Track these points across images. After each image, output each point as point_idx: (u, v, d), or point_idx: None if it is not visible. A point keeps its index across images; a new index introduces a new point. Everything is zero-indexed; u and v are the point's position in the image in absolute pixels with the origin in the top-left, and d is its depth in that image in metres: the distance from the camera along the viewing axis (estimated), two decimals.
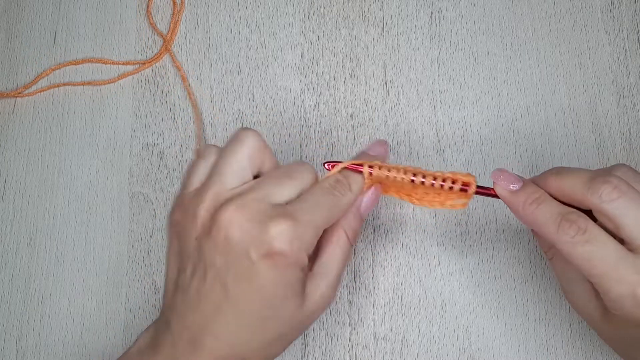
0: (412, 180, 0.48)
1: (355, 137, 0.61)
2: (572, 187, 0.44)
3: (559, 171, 0.46)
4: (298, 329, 0.47)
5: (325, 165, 0.48)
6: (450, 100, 0.62)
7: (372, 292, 0.57)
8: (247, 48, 0.64)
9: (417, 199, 0.50)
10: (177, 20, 0.64)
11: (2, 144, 0.62)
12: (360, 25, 0.65)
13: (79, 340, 0.56)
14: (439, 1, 0.65)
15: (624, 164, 0.46)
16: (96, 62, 0.64)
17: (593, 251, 0.42)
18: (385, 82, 0.63)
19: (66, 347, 0.56)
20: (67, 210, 0.60)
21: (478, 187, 0.47)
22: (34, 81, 0.63)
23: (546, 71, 0.63)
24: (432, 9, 0.65)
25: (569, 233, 0.43)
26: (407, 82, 0.63)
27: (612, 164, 0.46)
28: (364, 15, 0.65)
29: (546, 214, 0.44)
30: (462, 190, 0.47)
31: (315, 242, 0.45)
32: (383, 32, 0.64)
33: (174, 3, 0.65)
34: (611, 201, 0.42)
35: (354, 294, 0.57)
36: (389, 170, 0.48)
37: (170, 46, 0.64)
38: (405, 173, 0.48)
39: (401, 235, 0.58)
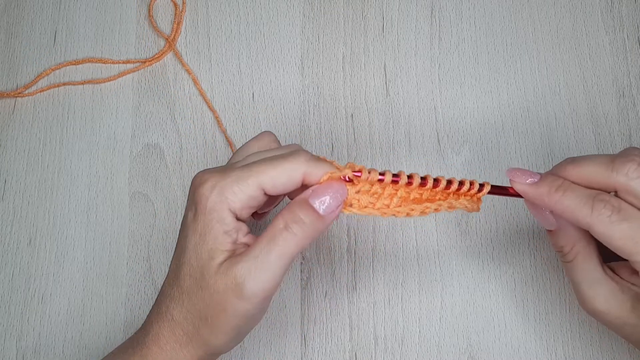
0: (422, 181, 0.45)
1: (355, 137, 0.61)
2: (594, 172, 0.44)
3: (574, 159, 0.45)
4: (227, 303, 0.43)
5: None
6: (450, 100, 0.62)
7: (372, 292, 0.57)
8: (247, 48, 0.64)
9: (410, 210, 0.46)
10: (180, 22, 0.64)
11: (2, 144, 0.62)
12: (360, 25, 0.65)
13: (79, 340, 0.56)
14: (439, 1, 0.65)
15: (635, 147, 0.45)
16: (96, 62, 0.64)
17: (632, 228, 0.42)
18: (385, 82, 0.63)
19: (66, 347, 0.56)
20: (67, 210, 0.60)
21: (493, 186, 0.46)
22: (34, 81, 0.63)
23: (546, 71, 0.63)
24: (432, 9, 0.65)
25: (604, 213, 0.42)
26: (407, 82, 0.63)
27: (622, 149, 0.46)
28: (364, 15, 0.65)
29: (575, 199, 0.43)
30: (479, 191, 0.46)
31: (246, 195, 0.42)
32: (383, 32, 0.64)
33: (175, 5, 0.65)
34: (638, 177, 0.42)
35: (354, 294, 0.57)
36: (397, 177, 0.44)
37: (174, 45, 0.64)
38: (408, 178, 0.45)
39: (401, 235, 0.58)
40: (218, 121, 0.62)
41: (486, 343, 0.56)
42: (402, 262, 0.58)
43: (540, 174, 0.46)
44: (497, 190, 0.47)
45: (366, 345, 0.56)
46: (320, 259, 0.58)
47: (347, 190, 0.44)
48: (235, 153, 0.48)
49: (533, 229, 0.58)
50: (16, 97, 0.63)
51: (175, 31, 0.64)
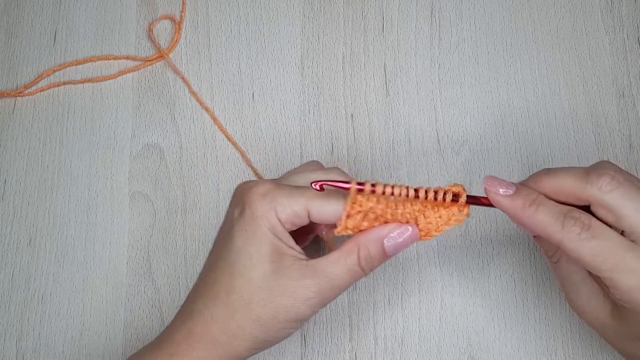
0: (414, 193, 0.44)
1: (355, 137, 0.61)
2: (569, 184, 0.44)
3: (549, 171, 0.45)
4: (265, 306, 0.45)
5: (313, 184, 0.45)
6: (450, 100, 0.62)
7: (372, 292, 0.57)
8: (247, 48, 0.64)
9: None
10: (177, 38, 0.64)
11: (2, 144, 0.62)
12: (360, 25, 0.65)
13: (79, 340, 0.56)
14: (439, 1, 0.65)
15: (609, 161, 0.45)
16: (97, 60, 0.64)
17: (600, 246, 0.42)
18: (385, 82, 0.63)
19: (66, 347, 0.56)
20: (67, 210, 0.60)
21: (469, 197, 0.46)
22: (35, 81, 0.63)
23: (546, 71, 0.63)
24: (432, 9, 0.65)
25: (574, 230, 0.42)
26: (407, 82, 0.63)
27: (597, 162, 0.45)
28: (364, 15, 0.65)
29: (547, 215, 0.44)
30: (453, 200, 0.45)
31: (293, 210, 0.44)
32: (383, 32, 0.64)
33: (175, 24, 0.65)
34: (611, 191, 0.42)
35: (354, 294, 0.57)
36: (382, 188, 0.44)
37: (167, 56, 0.64)
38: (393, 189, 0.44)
39: None
40: (232, 141, 0.62)
41: (486, 343, 0.56)
42: (402, 262, 0.58)
43: (515, 185, 0.45)
44: (473, 200, 0.46)
45: (366, 345, 0.56)
46: None
47: (419, 233, 0.46)
48: (289, 174, 0.49)
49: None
50: (16, 97, 0.63)
51: (173, 45, 0.64)
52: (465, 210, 0.46)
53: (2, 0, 0.66)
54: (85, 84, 0.63)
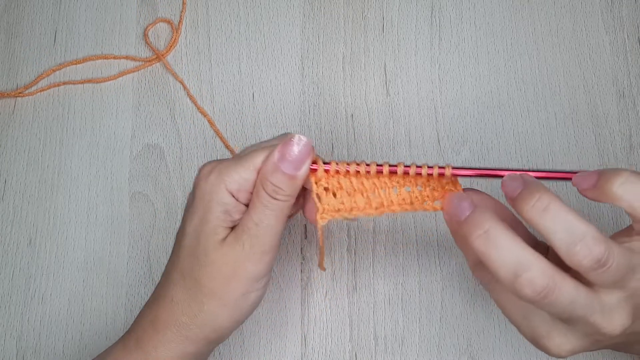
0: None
1: (355, 137, 0.61)
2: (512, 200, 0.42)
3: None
4: (223, 275, 0.45)
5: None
6: (450, 100, 0.62)
7: (372, 292, 0.57)
8: (247, 48, 0.64)
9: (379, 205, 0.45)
10: (175, 40, 0.64)
11: (2, 144, 0.62)
12: (360, 25, 0.65)
13: (79, 340, 0.56)
14: (439, 1, 0.65)
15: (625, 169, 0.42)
16: (96, 59, 0.64)
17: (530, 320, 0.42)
18: (385, 82, 0.63)
19: (66, 347, 0.56)
20: (67, 210, 0.60)
21: (455, 168, 0.45)
22: (35, 81, 0.63)
23: (546, 71, 0.63)
24: (432, 9, 0.65)
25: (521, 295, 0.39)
26: (407, 82, 0.63)
27: (612, 165, 0.44)
28: (364, 15, 0.65)
29: (498, 261, 0.39)
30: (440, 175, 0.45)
31: (242, 177, 0.44)
32: (383, 32, 0.64)
33: (172, 27, 0.65)
34: (538, 217, 0.39)
35: (354, 294, 0.57)
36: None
37: (164, 58, 0.64)
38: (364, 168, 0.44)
39: (401, 235, 0.58)
40: (212, 125, 0.62)
41: (486, 343, 0.56)
42: (402, 262, 0.58)
43: (472, 206, 0.42)
44: (466, 173, 0.45)
45: (366, 345, 0.56)
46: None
47: (309, 140, 0.44)
48: (247, 147, 0.48)
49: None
50: (16, 97, 0.63)
51: (170, 47, 0.64)
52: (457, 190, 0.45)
53: (2, 0, 0.66)
54: (85, 84, 0.63)
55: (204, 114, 0.62)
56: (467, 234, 0.39)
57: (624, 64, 0.62)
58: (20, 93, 0.63)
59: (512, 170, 0.44)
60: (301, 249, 0.58)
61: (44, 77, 0.63)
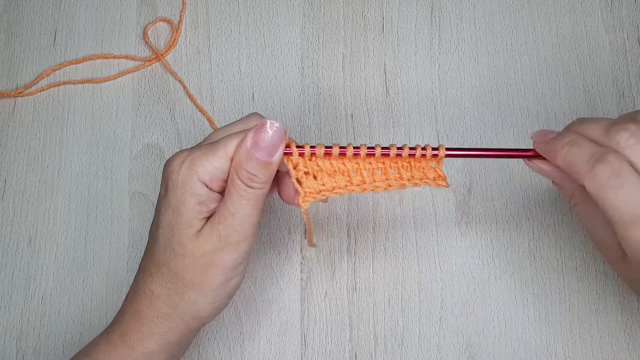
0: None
1: (355, 137, 0.61)
2: (592, 134, 0.44)
3: (582, 120, 0.46)
4: (200, 267, 0.45)
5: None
6: (450, 100, 0.62)
7: (372, 292, 0.57)
8: (247, 48, 0.64)
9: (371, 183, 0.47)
10: (175, 40, 0.64)
11: (2, 144, 0.62)
12: (360, 25, 0.65)
13: (79, 340, 0.56)
14: (439, 1, 0.65)
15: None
16: (96, 58, 0.64)
17: (619, 196, 0.41)
18: (385, 82, 0.63)
19: (66, 347, 0.56)
20: (67, 210, 0.60)
21: (449, 149, 0.47)
22: (35, 81, 0.63)
23: (546, 71, 0.63)
24: (432, 9, 0.65)
25: (601, 176, 0.42)
26: (407, 82, 0.63)
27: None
28: (364, 15, 0.65)
29: (578, 156, 0.43)
30: (433, 156, 0.46)
31: (214, 167, 0.44)
32: (383, 32, 0.64)
33: (172, 26, 0.65)
34: (629, 147, 0.42)
35: (354, 294, 0.57)
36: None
37: (164, 58, 0.64)
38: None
39: (401, 235, 0.58)
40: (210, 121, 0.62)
41: (486, 343, 0.56)
42: (402, 262, 0.58)
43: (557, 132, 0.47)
44: (455, 152, 0.47)
45: (366, 345, 0.56)
46: (320, 259, 0.58)
47: (282, 125, 0.45)
48: (215, 131, 0.48)
49: (533, 229, 0.58)
50: (16, 97, 0.63)
51: (169, 47, 0.64)
52: (442, 181, 0.47)
53: (2, 0, 0.66)
54: (85, 84, 0.63)
55: (203, 112, 0.62)
56: (555, 146, 0.45)
57: (624, 64, 0.62)
58: (20, 93, 0.63)
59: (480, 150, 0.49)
60: (301, 249, 0.58)
61: (44, 77, 0.63)
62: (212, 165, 0.44)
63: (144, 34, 0.64)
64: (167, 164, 0.45)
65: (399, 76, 0.63)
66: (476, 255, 0.58)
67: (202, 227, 0.44)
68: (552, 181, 0.49)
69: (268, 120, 0.44)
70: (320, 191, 0.45)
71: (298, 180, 0.45)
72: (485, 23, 0.64)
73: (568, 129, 0.46)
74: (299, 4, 0.65)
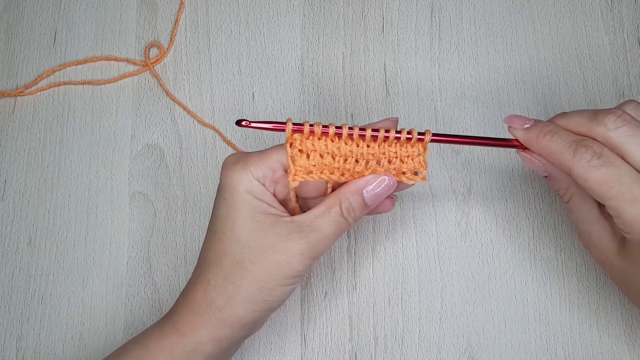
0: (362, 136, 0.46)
1: None
2: (578, 123, 0.46)
3: (565, 113, 0.48)
4: (257, 259, 0.46)
5: (244, 122, 0.46)
6: (450, 100, 0.62)
7: (372, 292, 0.57)
8: (247, 48, 0.64)
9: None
10: (164, 54, 0.64)
11: (2, 144, 0.62)
12: (360, 25, 0.65)
13: (79, 340, 0.56)
14: (439, 1, 0.65)
15: (633, 100, 0.48)
16: (97, 60, 0.64)
17: (608, 173, 0.44)
18: (385, 82, 0.63)
19: (66, 347, 0.56)
20: (67, 210, 0.60)
21: (435, 134, 0.47)
22: (35, 81, 0.63)
23: (546, 71, 0.63)
24: (432, 9, 0.65)
25: (584, 157, 0.44)
26: (407, 82, 0.63)
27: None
28: (364, 15, 0.65)
29: (560, 143, 0.46)
30: (419, 140, 0.47)
31: (267, 166, 0.46)
32: (383, 32, 0.64)
33: (161, 48, 0.65)
34: (616, 129, 0.44)
35: (354, 294, 0.57)
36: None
37: (152, 68, 0.64)
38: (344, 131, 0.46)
39: (401, 235, 0.58)
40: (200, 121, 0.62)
41: (486, 343, 0.56)
42: (402, 262, 0.58)
43: (535, 120, 0.48)
44: (443, 138, 0.48)
45: (366, 345, 0.56)
46: (320, 259, 0.58)
47: (396, 182, 0.48)
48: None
49: (533, 228, 0.58)
50: (16, 97, 0.63)
51: (158, 58, 0.64)
52: (420, 175, 0.48)
53: (2, 0, 0.66)
54: (85, 85, 0.63)
55: (206, 124, 0.62)
56: (536, 135, 0.47)
57: (623, 64, 0.63)
58: (20, 93, 0.63)
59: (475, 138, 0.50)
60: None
61: (44, 77, 0.63)
62: (265, 165, 0.46)
63: (146, 52, 0.64)
64: (224, 164, 0.47)
65: (399, 76, 0.63)
66: (476, 255, 0.58)
67: (275, 226, 0.46)
68: (545, 177, 0.50)
69: (389, 176, 0.48)
70: (310, 172, 0.46)
71: (292, 159, 0.46)
72: (485, 23, 0.64)
73: (550, 121, 0.48)
74: (299, 4, 0.65)
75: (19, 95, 0.63)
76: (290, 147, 0.46)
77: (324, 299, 0.57)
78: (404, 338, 0.56)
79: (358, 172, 0.47)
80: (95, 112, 0.63)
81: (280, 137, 0.60)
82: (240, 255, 0.45)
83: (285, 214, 0.47)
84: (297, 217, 0.46)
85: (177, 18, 0.65)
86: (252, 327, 0.48)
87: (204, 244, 0.48)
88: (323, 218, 0.46)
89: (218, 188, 0.47)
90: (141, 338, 0.48)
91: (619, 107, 0.47)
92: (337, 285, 0.57)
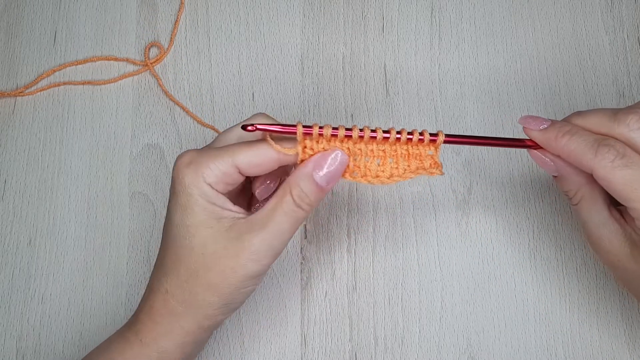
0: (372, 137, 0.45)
1: None
2: (597, 123, 0.45)
3: (580, 113, 0.46)
4: (217, 269, 0.45)
5: (249, 127, 0.45)
6: (450, 100, 0.62)
7: (372, 292, 0.57)
8: (247, 48, 0.64)
9: (375, 175, 0.47)
10: (163, 54, 0.64)
11: (2, 144, 0.62)
12: (360, 25, 0.65)
13: (79, 340, 0.56)
14: (439, 1, 0.65)
15: None
16: (97, 60, 0.64)
17: (633, 174, 0.42)
18: (385, 82, 0.63)
19: (66, 347, 0.56)
20: (67, 210, 0.60)
21: (448, 135, 0.46)
22: (35, 81, 0.63)
23: (546, 71, 0.63)
24: (432, 9, 0.65)
25: (607, 157, 0.43)
26: (407, 82, 0.63)
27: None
28: (364, 15, 0.65)
29: (581, 143, 0.44)
30: (431, 141, 0.46)
31: (220, 171, 0.44)
32: (383, 32, 0.64)
33: (161, 47, 0.65)
34: (638, 129, 0.43)
35: (354, 294, 0.57)
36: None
37: (154, 66, 0.64)
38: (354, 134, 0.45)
39: (401, 235, 0.58)
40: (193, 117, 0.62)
41: (486, 343, 0.56)
42: (402, 261, 0.58)
43: (551, 120, 0.47)
44: (455, 139, 0.47)
45: (366, 345, 0.56)
46: (320, 259, 0.58)
47: (348, 157, 0.45)
48: (223, 132, 0.48)
49: (533, 228, 0.58)
50: (16, 97, 0.63)
51: (158, 58, 0.64)
52: (437, 169, 0.47)
53: (2, 0, 0.66)
54: (85, 85, 0.63)
55: (205, 124, 0.62)
56: (555, 135, 0.45)
57: (623, 64, 0.63)
58: (20, 93, 0.63)
59: (481, 138, 0.48)
60: (301, 248, 0.58)
61: (44, 77, 0.63)
62: (218, 169, 0.44)
63: (146, 52, 0.64)
64: (176, 164, 0.45)
65: (399, 76, 0.63)
66: (476, 255, 0.58)
67: (228, 230, 0.44)
68: (554, 177, 0.49)
69: (339, 152, 0.45)
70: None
71: (302, 162, 0.45)
72: (485, 23, 0.64)
73: (565, 121, 0.46)
74: (299, 4, 0.65)
75: (19, 95, 0.63)
76: (303, 151, 0.45)
77: (324, 299, 0.57)
78: (404, 338, 0.56)
79: (370, 169, 0.46)
80: (95, 112, 0.63)
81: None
82: (195, 263, 0.44)
83: (241, 214, 0.45)
84: (251, 217, 0.45)
85: (177, 18, 0.65)
86: (214, 326, 0.47)
87: (160, 248, 0.47)
88: (275, 211, 0.44)
89: (171, 190, 0.46)
90: (104, 348, 0.47)
91: (637, 106, 0.45)
92: (337, 285, 0.57)
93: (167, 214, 0.47)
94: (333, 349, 0.56)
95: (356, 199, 0.59)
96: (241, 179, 0.46)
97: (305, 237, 0.58)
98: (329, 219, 0.59)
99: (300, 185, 0.44)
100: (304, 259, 0.58)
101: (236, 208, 0.45)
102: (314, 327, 0.56)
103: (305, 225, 0.59)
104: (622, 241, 0.46)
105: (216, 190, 0.45)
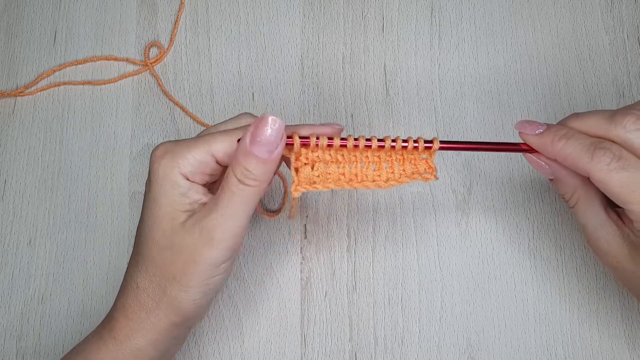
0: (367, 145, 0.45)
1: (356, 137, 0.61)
2: (595, 125, 0.44)
3: (578, 114, 0.46)
4: (182, 251, 0.44)
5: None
6: (450, 100, 0.62)
7: (372, 292, 0.57)
8: (247, 48, 0.64)
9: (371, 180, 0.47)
10: (164, 54, 0.64)
11: (2, 144, 0.62)
12: (360, 25, 0.65)
13: (79, 340, 0.56)
14: (439, 1, 0.65)
15: None
16: (97, 60, 0.64)
17: (629, 176, 0.42)
18: (385, 82, 0.63)
19: (66, 347, 0.56)
20: (67, 210, 0.60)
21: (443, 142, 0.46)
22: (35, 81, 0.63)
23: (546, 71, 0.63)
24: (432, 9, 0.65)
25: (603, 160, 0.43)
26: (407, 82, 0.63)
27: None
28: (364, 15, 0.65)
29: (577, 147, 0.44)
30: (427, 148, 0.46)
31: (196, 160, 0.44)
32: (383, 32, 0.64)
33: (161, 47, 0.65)
34: (636, 130, 0.43)
35: (353, 294, 0.57)
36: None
37: (154, 66, 0.64)
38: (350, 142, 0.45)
39: (401, 235, 0.58)
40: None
41: (486, 343, 0.56)
42: (402, 261, 0.58)
43: (547, 124, 0.47)
44: (450, 146, 0.47)
45: (366, 345, 0.56)
46: (320, 259, 0.58)
47: (283, 122, 0.43)
48: (205, 129, 0.48)
49: (533, 229, 0.58)
50: (16, 97, 0.63)
51: (158, 58, 0.64)
52: (431, 174, 0.47)
53: (2, 0, 0.66)
54: (85, 85, 0.63)
55: (199, 120, 0.62)
56: (551, 139, 0.45)
57: (623, 64, 0.63)
58: (20, 93, 0.63)
59: (476, 143, 0.49)
60: (301, 248, 0.58)
61: (44, 77, 0.63)
62: (194, 158, 0.44)
63: (146, 51, 0.64)
64: (152, 156, 0.45)
65: (399, 76, 0.63)
66: (476, 255, 0.58)
67: (187, 220, 0.44)
68: (550, 180, 0.49)
69: (270, 117, 0.43)
70: (313, 183, 0.45)
71: (296, 170, 0.45)
72: (485, 23, 0.64)
73: (562, 123, 0.47)
74: (299, 4, 0.65)
75: (19, 95, 0.63)
76: (297, 160, 0.45)
77: (324, 299, 0.57)
78: (404, 338, 0.56)
79: (367, 175, 0.46)
80: (95, 112, 0.63)
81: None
82: (161, 258, 0.44)
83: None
84: (205, 206, 0.44)
85: (177, 18, 0.65)
86: (187, 323, 0.47)
87: (135, 241, 0.47)
88: (224, 195, 0.43)
89: (147, 181, 0.46)
90: (79, 348, 0.47)
91: (635, 106, 0.45)
92: (337, 285, 0.57)
93: (142, 206, 0.46)
94: (333, 349, 0.56)
95: (356, 199, 0.59)
96: (220, 168, 0.45)
97: (305, 237, 0.58)
98: (329, 219, 0.59)
99: (240, 161, 0.42)
100: (304, 259, 0.58)
101: (206, 198, 0.45)
102: (314, 327, 0.56)
103: (305, 225, 0.59)
104: (620, 243, 0.46)
105: (192, 181, 0.44)
